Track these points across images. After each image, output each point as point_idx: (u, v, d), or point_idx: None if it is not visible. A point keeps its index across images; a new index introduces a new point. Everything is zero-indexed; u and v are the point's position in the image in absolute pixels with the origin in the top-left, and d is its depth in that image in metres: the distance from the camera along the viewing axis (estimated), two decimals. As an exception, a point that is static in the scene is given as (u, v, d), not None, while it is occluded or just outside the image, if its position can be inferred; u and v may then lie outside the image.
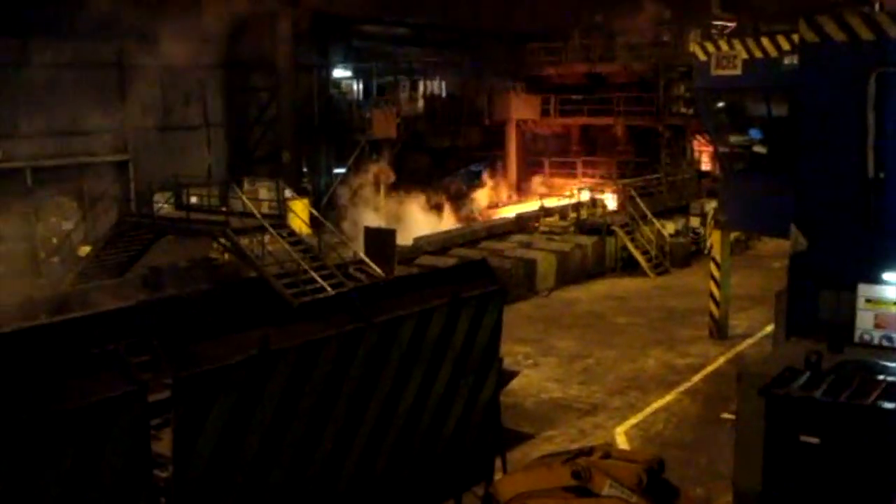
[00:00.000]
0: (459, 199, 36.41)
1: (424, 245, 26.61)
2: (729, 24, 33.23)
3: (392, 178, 34.17)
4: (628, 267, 27.88)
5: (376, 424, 9.00)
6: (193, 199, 24.07)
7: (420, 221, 31.52)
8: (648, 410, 15.83)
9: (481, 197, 37.52)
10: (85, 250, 24.40)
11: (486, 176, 39.83)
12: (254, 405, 7.79)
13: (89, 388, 6.73)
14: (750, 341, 19.93)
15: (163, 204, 23.19)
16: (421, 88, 40.61)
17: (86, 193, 27.81)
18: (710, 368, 18.19)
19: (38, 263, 26.49)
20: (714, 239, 21.27)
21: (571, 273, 26.34)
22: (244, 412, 7.72)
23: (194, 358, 7.38)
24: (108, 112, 29.00)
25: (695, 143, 39.89)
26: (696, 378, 17.59)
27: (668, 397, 16.49)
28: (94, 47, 28.47)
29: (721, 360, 18.71)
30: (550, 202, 32.00)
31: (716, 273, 20.35)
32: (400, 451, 9.39)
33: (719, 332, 20.24)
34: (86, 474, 6.73)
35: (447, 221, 33.30)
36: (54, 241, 27.12)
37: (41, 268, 26.20)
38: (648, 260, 27.74)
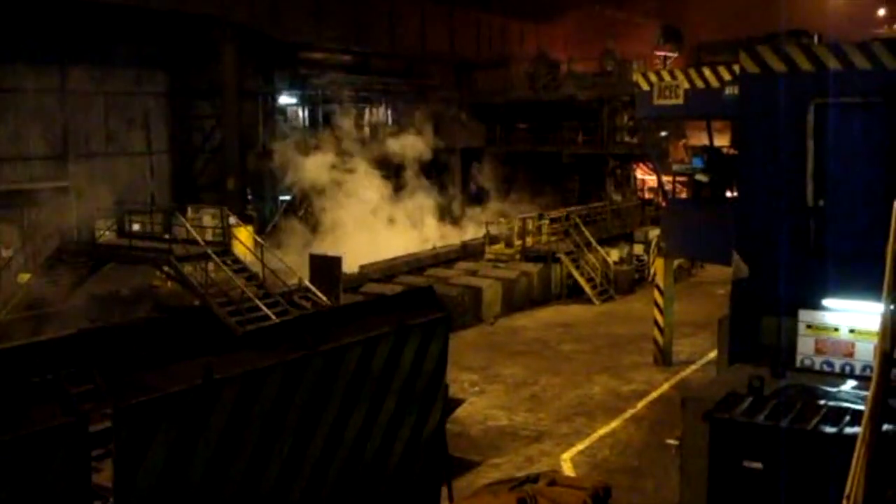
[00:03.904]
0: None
1: (370, 272, 26.52)
2: (671, 55, 33.78)
3: None
4: (573, 294, 28.05)
5: (322, 453, 8.91)
6: (136, 227, 23.75)
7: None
8: (594, 437, 15.89)
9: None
10: (25, 278, 23.91)
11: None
12: (197, 435, 7.67)
13: (27, 418, 6.58)
14: (694, 367, 20.12)
15: (105, 231, 22.84)
16: (367, 116, 40.59)
17: (26, 220, 27.30)
18: (654, 394, 18.33)
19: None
20: (657, 266, 21.49)
21: (517, 300, 26.42)
22: (188, 442, 7.60)
23: (136, 387, 7.25)
24: (49, 138, 28.59)
25: (638, 171, 40.42)
26: (641, 404, 17.71)
27: (614, 423, 16.57)
28: (36, 73, 28.09)
29: (665, 386, 18.86)
30: (496, 229, 32.09)
31: (659, 300, 20.54)
32: (346, 479, 9.30)
33: (664, 358, 20.41)
34: (23, 507, 6.57)
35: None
36: (-7, 268, 26.58)
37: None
38: (593, 287, 27.93)
